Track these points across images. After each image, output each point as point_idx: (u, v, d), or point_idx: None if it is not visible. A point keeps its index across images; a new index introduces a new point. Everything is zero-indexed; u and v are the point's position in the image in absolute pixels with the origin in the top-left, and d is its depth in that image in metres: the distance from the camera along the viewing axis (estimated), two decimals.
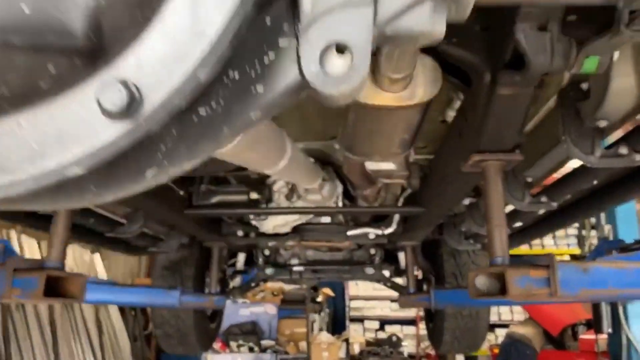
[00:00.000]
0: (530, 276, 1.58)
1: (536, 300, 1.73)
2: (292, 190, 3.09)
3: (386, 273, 4.92)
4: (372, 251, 4.53)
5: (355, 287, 13.37)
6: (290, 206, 2.91)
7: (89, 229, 3.04)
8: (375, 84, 1.35)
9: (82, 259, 8.74)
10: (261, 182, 3.01)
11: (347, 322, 13.30)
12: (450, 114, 2.10)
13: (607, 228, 6.19)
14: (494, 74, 1.38)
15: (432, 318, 4.71)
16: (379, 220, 3.58)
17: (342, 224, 3.60)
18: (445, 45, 1.43)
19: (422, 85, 1.38)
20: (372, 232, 3.49)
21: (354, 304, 13.33)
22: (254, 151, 1.29)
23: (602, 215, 6.08)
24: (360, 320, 13.40)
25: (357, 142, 1.64)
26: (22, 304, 6.24)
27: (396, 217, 3.44)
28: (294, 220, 3.24)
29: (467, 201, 2.90)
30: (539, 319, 7.39)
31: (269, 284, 11.18)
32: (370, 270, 4.52)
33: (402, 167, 2.69)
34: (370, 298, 13.33)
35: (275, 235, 3.32)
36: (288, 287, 9.81)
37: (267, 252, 4.57)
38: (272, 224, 3.24)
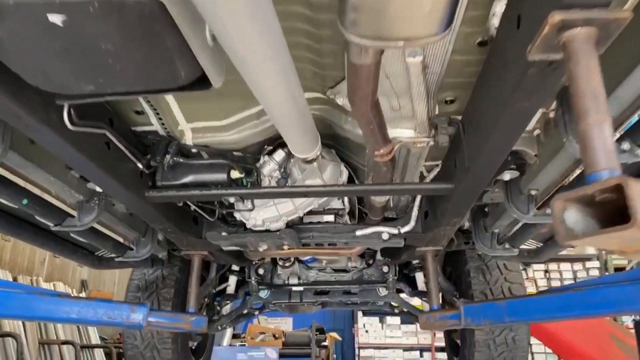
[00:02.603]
0: None
1: None
2: (285, 173, 2.48)
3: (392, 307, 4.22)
4: (385, 269, 3.84)
5: (365, 335, 12.49)
6: (282, 188, 2.29)
7: (27, 221, 2.42)
8: None
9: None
10: (244, 162, 2.40)
11: None
12: (494, 22, 1.51)
13: None
14: None
15: (458, 350, 3.96)
16: (394, 220, 2.93)
17: (348, 224, 2.96)
18: None
19: None
20: (385, 232, 2.83)
21: (363, 352, 12.42)
22: None
23: None
24: None
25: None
26: None
27: (414, 213, 2.80)
28: (288, 212, 2.60)
29: (507, 176, 2.27)
30: (562, 354, 6.65)
31: (270, 325, 10.35)
32: (383, 291, 3.82)
33: (423, 128, 2.10)
34: (382, 346, 12.43)
35: (266, 232, 2.66)
36: (290, 330, 9.01)
37: (261, 271, 3.91)
38: (262, 216, 2.60)
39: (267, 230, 2.66)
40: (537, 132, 2.16)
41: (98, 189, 2.36)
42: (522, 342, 3.48)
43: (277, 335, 8.15)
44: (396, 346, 12.42)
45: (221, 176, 2.29)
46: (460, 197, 2.19)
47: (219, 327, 4.00)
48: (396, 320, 12.53)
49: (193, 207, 2.71)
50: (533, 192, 2.35)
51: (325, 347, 8.63)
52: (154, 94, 1.63)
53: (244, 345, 8.09)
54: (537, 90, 1.34)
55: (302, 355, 8.12)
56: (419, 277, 4.01)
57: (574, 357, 6.76)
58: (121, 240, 3.07)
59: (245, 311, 4.06)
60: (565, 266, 11.86)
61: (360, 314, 12.61)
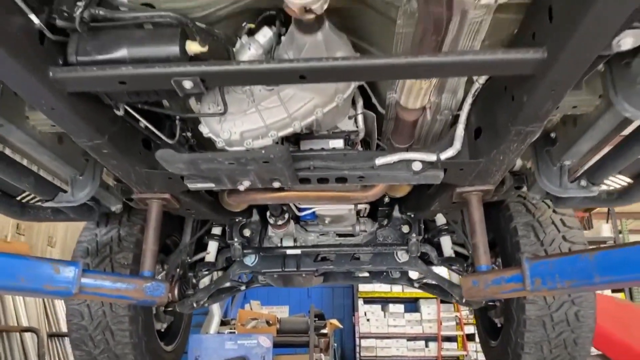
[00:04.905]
0: None
1: None
2: (272, 59, 1.64)
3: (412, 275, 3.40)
4: (405, 229, 3.02)
5: (367, 323, 11.71)
6: (265, 64, 1.43)
7: None
8: None
9: None
10: (211, 37, 1.54)
11: None
12: None
13: None
14: None
15: (497, 332, 3.14)
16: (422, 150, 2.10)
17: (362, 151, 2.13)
18: None
19: None
20: (417, 160, 2.00)
21: (364, 342, 11.64)
22: None
23: None
24: None
25: None
26: None
27: (460, 131, 1.96)
28: (279, 122, 1.75)
29: (627, 41, 1.42)
30: (610, 353, 5.88)
31: (263, 310, 9.53)
32: (403, 257, 3.00)
33: None
34: (384, 336, 11.65)
35: (246, 152, 1.81)
36: (286, 316, 8.21)
37: (247, 232, 3.08)
38: (240, 127, 1.75)
39: (248, 151, 1.81)
40: None
41: None
42: (588, 319, 2.66)
43: (271, 322, 7.34)
44: (399, 336, 11.65)
45: (171, 49, 1.45)
46: (557, 73, 1.35)
47: (195, 304, 3.16)
48: (399, 308, 11.78)
49: (143, 122, 1.87)
50: None
51: (325, 335, 7.81)
52: None
53: (234, 332, 7.28)
54: None
55: (299, 344, 7.31)
56: (446, 241, 3.18)
57: (607, 344, 6.03)
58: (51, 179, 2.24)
59: (227, 284, 3.23)
60: None
61: (361, 301, 11.83)
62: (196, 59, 1.50)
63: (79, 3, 1.34)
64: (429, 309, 11.65)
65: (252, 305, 9.23)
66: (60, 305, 6.66)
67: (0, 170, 1.95)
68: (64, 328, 6.64)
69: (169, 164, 1.83)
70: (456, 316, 11.53)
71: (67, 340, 6.63)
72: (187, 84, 1.44)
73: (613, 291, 10.83)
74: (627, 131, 1.87)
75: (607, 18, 1.17)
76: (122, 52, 1.45)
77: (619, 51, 1.45)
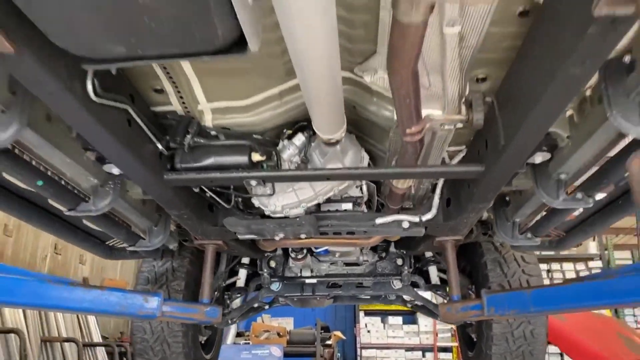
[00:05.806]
0: None
1: None
2: (305, 158, 2.40)
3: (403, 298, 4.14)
4: (399, 261, 3.77)
5: (367, 335, 12.42)
6: (305, 171, 2.20)
7: (39, 206, 2.35)
8: None
9: None
10: (264, 145, 2.31)
11: None
12: None
13: None
14: None
15: (473, 345, 3.89)
16: (413, 209, 2.86)
17: (367, 212, 2.89)
18: None
19: None
20: (406, 220, 2.76)
21: (365, 353, 12.35)
22: None
23: None
24: None
25: None
26: None
27: (436, 200, 2.73)
28: (308, 198, 2.52)
29: (538, 158, 2.20)
30: None
31: (274, 323, 10.26)
32: (397, 284, 3.74)
33: (452, 108, 2.03)
34: (384, 346, 12.36)
35: (286, 219, 2.59)
36: (294, 329, 8.93)
37: (273, 264, 3.83)
38: (282, 202, 2.52)
39: (286, 217, 2.58)
40: (569, 112, 2.10)
41: (114, 172, 2.29)
42: (541, 335, 3.41)
43: (281, 334, 8.07)
44: (398, 346, 12.36)
45: (242, 158, 2.21)
46: (491, 180, 2.11)
47: (229, 321, 3.92)
48: (398, 320, 12.49)
49: (209, 193, 2.64)
50: (562, 177, 2.28)
51: (329, 345, 8.55)
52: (189, 58, 1.50)
53: (248, 343, 8.01)
54: (594, 54, 1.27)
55: (307, 354, 8.04)
56: (433, 270, 3.95)
57: (582, 356, 6.71)
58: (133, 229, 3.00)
59: (255, 305, 3.98)
60: (567, 265, 11.84)
61: (362, 313, 12.55)
62: (257, 164, 2.26)
63: (187, 136, 2.10)
64: (426, 321, 12.37)
65: (263, 318, 9.98)
66: (92, 317, 7.40)
67: (105, 227, 2.71)
68: (96, 338, 7.39)
69: (232, 226, 2.61)
70: (451, 328, 12.23)
71: (98, 349, 7.37)
72: (253, 182, 2.21)
73: None
74: None
75: (515, 159, 1.93)
76: (209, 161, 2.21)
77: (533, 163, 2.23)
